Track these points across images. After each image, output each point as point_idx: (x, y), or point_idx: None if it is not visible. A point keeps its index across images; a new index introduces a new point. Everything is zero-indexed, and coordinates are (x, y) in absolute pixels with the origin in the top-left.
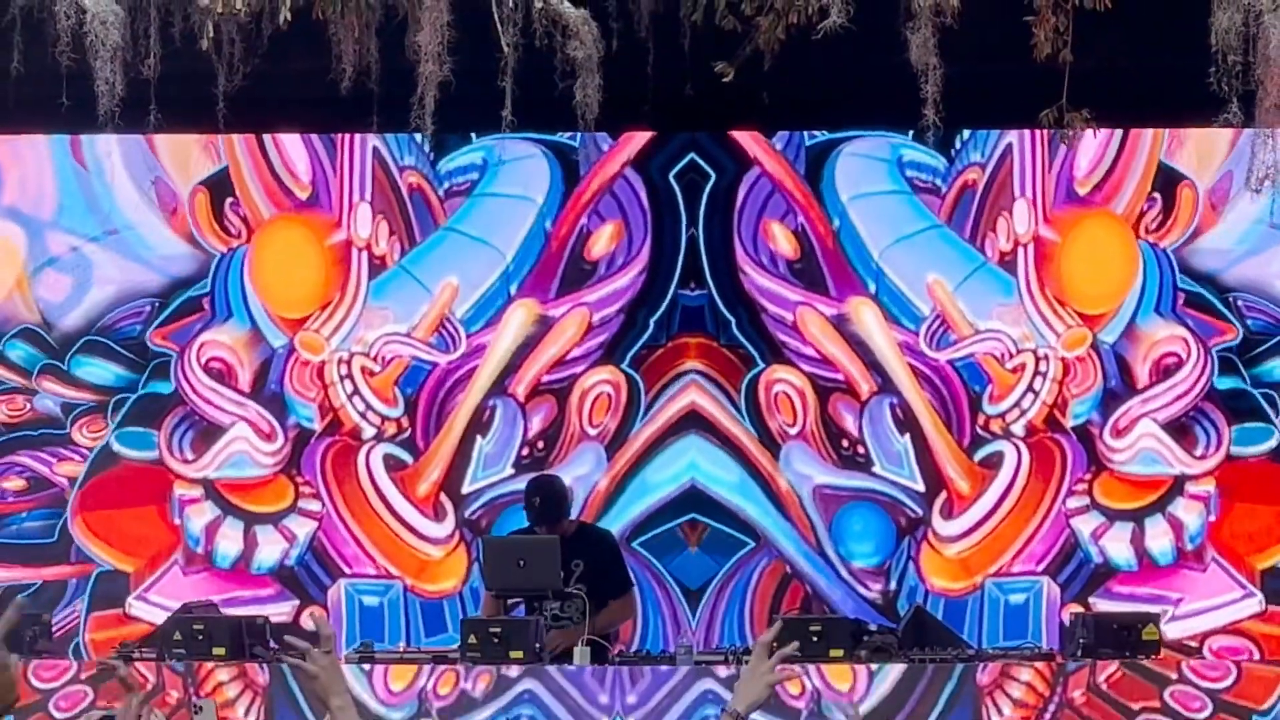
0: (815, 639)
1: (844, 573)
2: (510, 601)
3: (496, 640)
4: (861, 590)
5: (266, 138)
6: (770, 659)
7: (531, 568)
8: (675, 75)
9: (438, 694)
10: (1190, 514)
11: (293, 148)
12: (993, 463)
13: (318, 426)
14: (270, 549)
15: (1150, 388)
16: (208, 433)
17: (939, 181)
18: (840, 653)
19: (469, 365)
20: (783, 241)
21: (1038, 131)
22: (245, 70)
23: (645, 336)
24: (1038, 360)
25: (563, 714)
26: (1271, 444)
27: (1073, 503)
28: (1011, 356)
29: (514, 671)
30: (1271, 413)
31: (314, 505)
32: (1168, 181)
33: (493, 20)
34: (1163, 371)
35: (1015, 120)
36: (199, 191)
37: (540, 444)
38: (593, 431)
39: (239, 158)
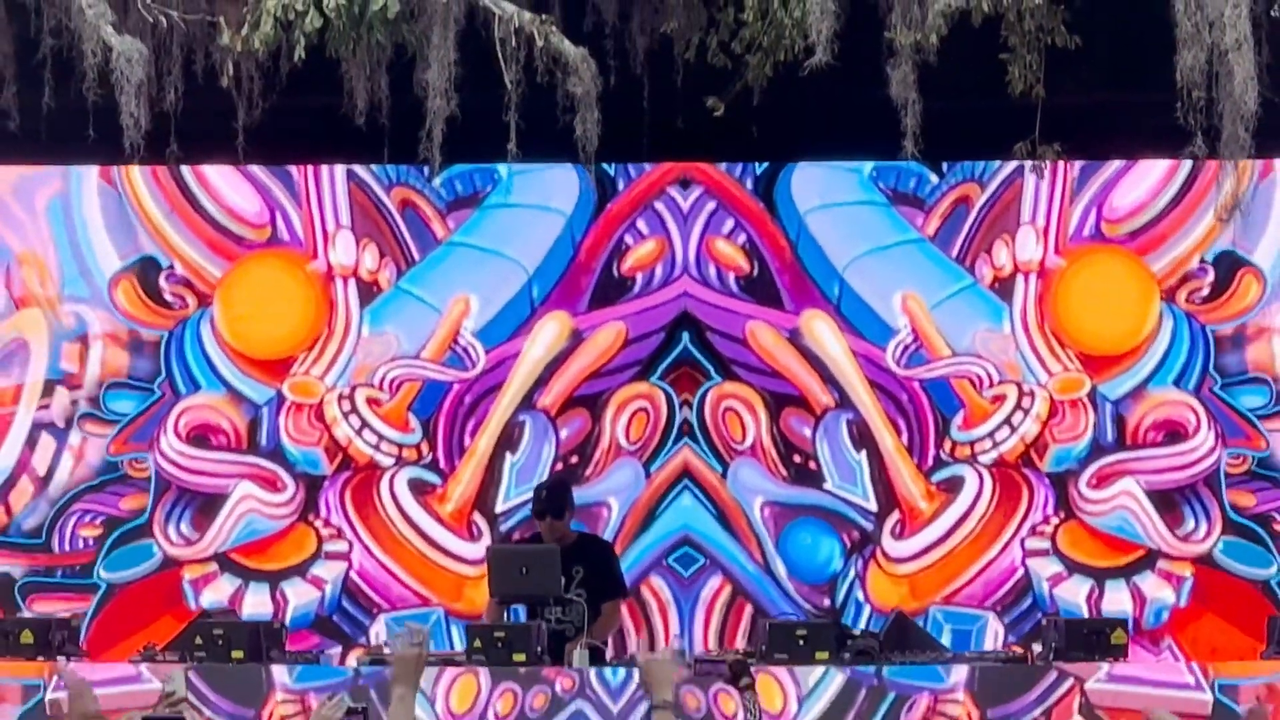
0: (801, 642)
1: (790, 589)
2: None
3: (500, 644)
4: (808, 607)
5: (197, 189)
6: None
7: (534, 575)
8: (669, 109)
9: (499, 715)
10: (1157, 592)
11: (233, 192)
12: (952, 486)
13: (326, 470)
14: (301, 602)
15: (1143, 447)
16: (206, 506)
17: (922, 194)
18: (825, 655)
19: (490, 381)
20: (730, 257)
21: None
22: (264, 105)
23: (675, 354)
24: (1021, 395)
25: None
26: (1269, 572)
27: (1033, 543)
28: (991, 385)
29: (565, 694)
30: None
31: (340, 546)
32: (1233, 261)
33: (496, 58)
34: (1163, 435)
35: (991, 152)
36: (122, 279)
37: (574, 458)
38: (630, 447)
39: (162, 226)
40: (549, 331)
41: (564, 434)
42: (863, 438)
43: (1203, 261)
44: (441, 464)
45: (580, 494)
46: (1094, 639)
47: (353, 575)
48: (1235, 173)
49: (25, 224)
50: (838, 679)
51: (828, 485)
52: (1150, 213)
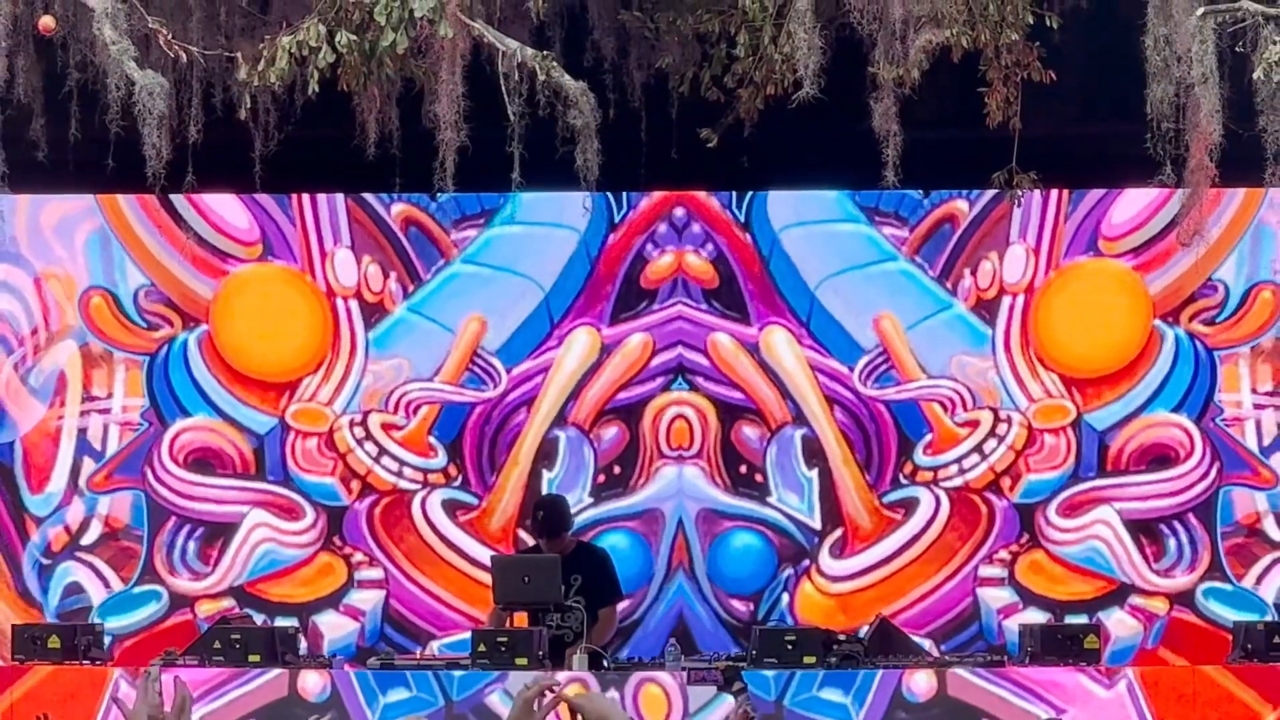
0: (790, 647)
1: (710, 595)
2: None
3: (504, 649)
4: (722, 614)
5: (186, 206)
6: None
7: (535, 583)
8: (665, 140)
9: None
10: (1124, 630)
11: (222, 208)
12: (905, 508)
13: (345, 499)
14: (338, 635)
15: (1125, 472)
16: (215, 534)
17: (905, 212)
18: (813, 659)
19: (516, 398)
20: (698, 269)
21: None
22: (279, 137)
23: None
24: (996, 421)
25: None
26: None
27: (987, 571)
28: (964, 410)
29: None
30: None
31: (374, 573)
32: (1243, 277)
33: (500, 92)
34: (1149, 461)
35: (970, 182)
36: (94, 294)
37: (617, 469)
38: (671, 453)
39: (145, 240)
40: (580, 344)
41: (601, 445)
42: (816, 454)
43: (1210, 280)
44: (473, 485)
45: (630, 504)
46: (1068, 644)
47: (393, 603)
48: (1199, 199)
49: (65, 258)
50: (727, 702)
51: (771, 499)
52: (1151, 230)
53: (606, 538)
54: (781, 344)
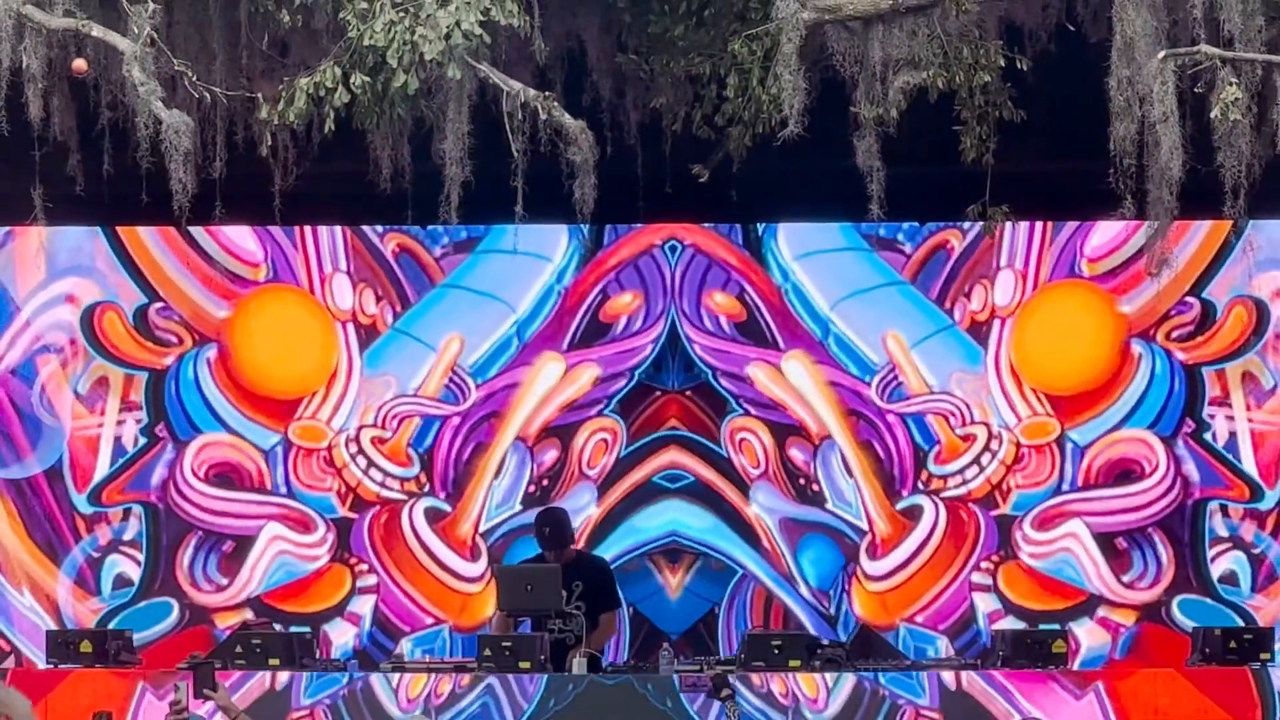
0: (776, 651)
1: (806, 594)
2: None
3: (508, 653)
4: (820, 609)
5: (201, 233)
6: None
7: (537, 591)
8: (659, 175)
9: (438, 695)
10: (1093, 639)
11: (235, 237)
12: (912, 516)
13: (339, 511)
14: (342, 639)
15: (1092, 487)
16: (237, 548)
17: (901, 238)
18: (798, 662)
19: (481, 412)
20: (726, 307)
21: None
22: (297, 172)
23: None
24: (990, 437)
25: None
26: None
27: (978, 577)
28: (964, 424)
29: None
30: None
31: (370, 580)
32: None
33: (504, 130)
34: (1115, 475)
35: (947, 214)
36: (107, 309)
37: (545, 481)
38: (590, 473)
39: (156, 256)
40: (549, 370)
41: (539, 460)
42: (850, 465)
43: (1186, 296)
44: (437, 490)
45: None
46: (1037, 648)
47: (380, 606)
48: (1163, 231)
49: (107, 277)
50: (850, 680)
51: (829, 505)
52: (1128, 252)
53: (522, 544)
54: (797, 369)
